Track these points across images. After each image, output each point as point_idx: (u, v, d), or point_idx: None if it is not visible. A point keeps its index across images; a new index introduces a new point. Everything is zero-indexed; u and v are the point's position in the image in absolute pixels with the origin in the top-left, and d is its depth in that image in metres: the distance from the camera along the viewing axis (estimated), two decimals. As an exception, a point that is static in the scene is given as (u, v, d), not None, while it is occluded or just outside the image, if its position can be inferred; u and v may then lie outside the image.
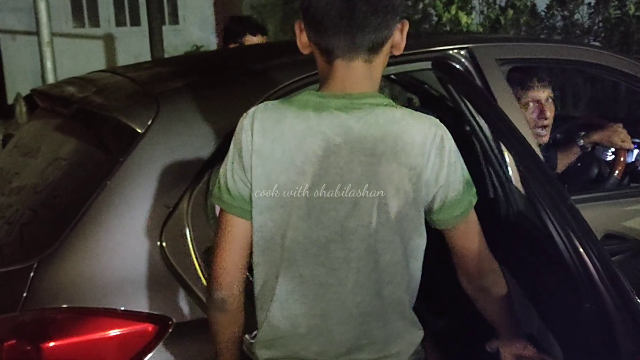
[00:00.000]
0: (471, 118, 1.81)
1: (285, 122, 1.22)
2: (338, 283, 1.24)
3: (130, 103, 1.73)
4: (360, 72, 1.23)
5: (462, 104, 1.81)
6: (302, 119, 1.22)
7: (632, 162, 2.66)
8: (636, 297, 1.28)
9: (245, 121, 1.26)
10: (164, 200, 1.58)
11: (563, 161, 2.50)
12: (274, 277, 1.27)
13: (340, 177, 1.21)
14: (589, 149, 2.59)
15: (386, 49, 1.25)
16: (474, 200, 1.30)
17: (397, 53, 1.29)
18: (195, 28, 9.70)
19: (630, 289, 1.28)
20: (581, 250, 1.32)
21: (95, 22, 9.24)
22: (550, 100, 2.35)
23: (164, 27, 9.09)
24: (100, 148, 1.70)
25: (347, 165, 1.21)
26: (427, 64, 1.94)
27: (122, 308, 1.51)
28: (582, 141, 2.55)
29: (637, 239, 2.05)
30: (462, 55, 2.04)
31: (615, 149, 2.53)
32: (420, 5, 6.13)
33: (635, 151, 2.69)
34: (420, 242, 1.28)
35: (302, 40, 1.26)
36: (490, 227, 1.80)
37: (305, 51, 1.27)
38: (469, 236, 1.31)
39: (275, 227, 1.24)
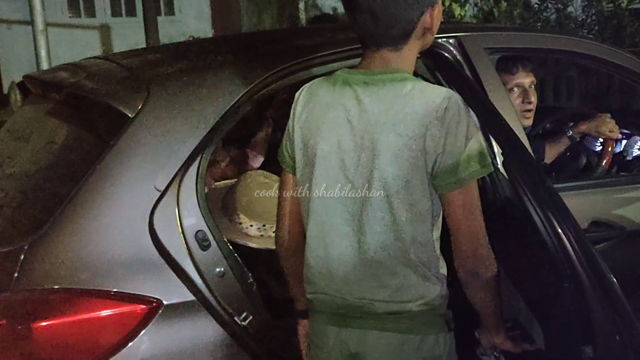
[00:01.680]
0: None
1: (318, 95, 1.45)
2: (352, 232, 1.41)
3: (121, 88, 1.75)
4: (386, 58, 1.39)
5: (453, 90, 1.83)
6: (329, 92, 1.43)
7: (620, 152, 2.69)
8: (611, 276, 1.31)
9: (297, 94, 1.50)
10: (154, 183, 1.59)
11: (552, 152, 2.53)
12: (306, 224, 1.48)
13: (353, 142, 1.39)
14: (578, 139, 2.62)
15: (414, 35, 1.39)
16: (476, 173, 1.35)
17: (430, 36, 1.43)
18: (191, 19, 9.70)
19: (605, 268, 1.31)
20: (560, 231, 1.35)
21: (91, 12, 9.23)
22: (533, 86, 2.39)
23: (159, 18, 9.11)
24: (91, 132, 1.71)
25: (359, 133, 1.38)
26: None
27: (113, 289, 1.53)
28: (570, 132, 2.58)
29: (623, 226, 2.08)
30: (450, 44, 2.06)
31: (604, 139, 2.56)
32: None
33: (624, 141, 2.72)
34: (426, 205, 1.37)
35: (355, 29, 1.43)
36: (492, 215, 1.83)
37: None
38: (464, 208, 1.35)
39: (306, 181, 1.46)
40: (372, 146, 1.36)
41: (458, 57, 2.06)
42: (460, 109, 1.34)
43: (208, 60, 1.86)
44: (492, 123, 1.51)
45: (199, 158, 1.67)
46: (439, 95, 1.34)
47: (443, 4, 5.63)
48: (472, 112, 1.38)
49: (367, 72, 1.40)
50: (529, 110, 2.37)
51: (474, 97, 1.55)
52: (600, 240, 2.04)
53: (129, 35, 8.80)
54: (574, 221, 1.37)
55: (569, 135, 2.58)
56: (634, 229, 2.10)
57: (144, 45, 6.63)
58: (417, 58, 1.94)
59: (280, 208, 1.56)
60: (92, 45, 8.87)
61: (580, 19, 6.09)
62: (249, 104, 1.77)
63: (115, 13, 9.28)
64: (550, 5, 6.05)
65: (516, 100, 2.34)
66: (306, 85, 1.50)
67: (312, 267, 1.47)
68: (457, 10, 5.50)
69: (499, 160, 1.90)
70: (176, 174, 1.63)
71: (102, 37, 9.12)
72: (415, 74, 1.85)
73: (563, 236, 1.36)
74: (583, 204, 2.10)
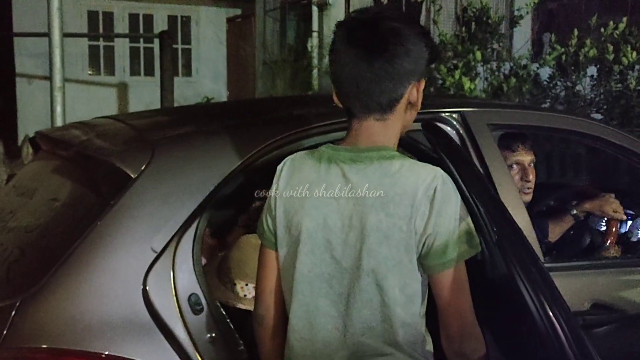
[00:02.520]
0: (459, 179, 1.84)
1: (303, 171, 1.42)
2: (338, 314, 1.38)
3: (126, 148, 1.78)
4: (372, 130, 1.38)
5: (450, 165, 1.84)
6: (314, 169, 1.41)
7: (625, 233, 2.67)
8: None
9: (279, 167, 1.48)
10: (151, 244, 1.60)
11: (555, 230, 2.51)
12: (289, 304, 1.44)
13: (340, 221, 1.36)
14: (582, 218, 2.61)
15: (400, 107, 1.39)
16: (465, 254, 1.34)
17: (414, 112, 1.44)
18: (207, 80, 9.94)
19: (594, 354, 1.29)
20: (550, 313, 1.33)
21: (110, 70, 9.49)
22: (532, 164, 2.40)
23: (177, 79, 9.36)
24: (93, 191, 1.73)
25: (346, 212, 1.35)
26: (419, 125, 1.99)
27: (102, 352, 1.51)
28: (574, 210, 2.57)
29: (624, 310, 2.04)
30: (454, 118, 2.10)
31: (607, 219, 2.55)
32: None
33: (629, 222, 2.71)
34: (416, 286, 1.35)
35: (335, 98, 1.44)
36: (476, 289, 1.81)
37: (341, 106, 1.44)
38: (452, 288, 1.34)
39: (289, 260, 1.42)
40: (360, 226, 1.33)
41: (461, 131, 2.09)
42: (449, 189, 1.34)
43: (213, 125, 1.90)
44: (488, 201, 1.51)
45: (197, 221, 1.68)
46: (428, 174, 1.33)
47: (453, 77, 5.77)
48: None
49: (353, 149, 1.38)
50: (528, 188, 2.37)
51: (470, 174, 1.56)
52: (600, 323, 1.99)
53: (145, 94, 9.02)
54: (564, 304, 1.35)
55: (572, 213, 2.57)
56: (636, 312, 2.06)
57: (159, 104, 6.77)
58: (419, 130, 2.02)
59: (260, 284, 1.51)
60: (110, 103, 9.09)
61: (589, 98, 6.16)
62: (250, 170, 1.79)
63: (134, 72, 9.53)
64: (559, 83, 6.13)
65: (515, 177, 2.35)
66: (288, 158, 1.48)
67: (295, 349, 1.43)
68: (467, 84, 5.58)
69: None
70: (173, 236, 1.63)
71: (119, 95, 9.34)
72: (416, 148, 1.88)
73: (553, 319, 1.34)
74: (584, 284, 2.07)
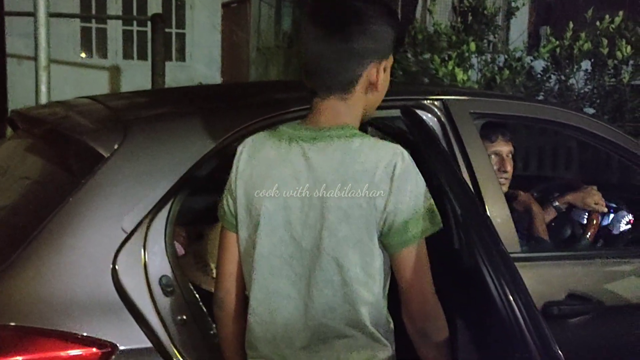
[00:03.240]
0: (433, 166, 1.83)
1: (263, 151, 1.40)
2: (299, 296, 1.36)
3: (100, 127, 1.76)
4: (333, 109, 1.38)
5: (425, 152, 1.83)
6: (274, 149, 1.39)
7: (607, 226, 2.67)
8: (557, 348, 1.29)
9: (239, 148, 1.46)
10: (122, 224, 1.58)
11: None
12: (249, 286, 1.42)
13: (300, 200, 1.34)
14: (564, 210, 2.60)
15: (359, 87, 1.38)
16: (426, 231, 1.33)
17: (376, 92, 1.42)
18: (201, 66, 9.87)
19: (551, 339, 1.29)
20: (511, 298, 1.33)
21: (103, 53, 9.40)
22: (510, 155, 2.40)
23: (170, 63, 9.29)
24: (66, 169, 1.72)
25: (307, 191, 1.34)
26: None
27: (68, 330, 1.50)
28: (556, 202, 2.57)
29: (601, 301, 2.04)
30: (436, 106, 2.08)
31: (589, 211, 2.54)
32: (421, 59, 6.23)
33: (611, 215, 2.70)
34: (377, 265, 1.34)
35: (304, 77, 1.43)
36: (453, 278, 1.80)
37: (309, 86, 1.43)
38: (413, 266, 1.33)
39: (250, 241, 1.40)
40: (320, 204, 1.32)
41: (443, 119, 2.08)
42: (409, 166, 1.32)
43: (190, 106, 1.88)
44: (457, 189, 1.49)
45: (170, 203, 1.66)
46: (388, 151, 1.32)
47: (446, 67, 5.74)
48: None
49: (314, 128, 1.38)
50: (504, 179, 2.37)
51: (442, 162, 1.55)
52: (575, 313, 2.00)
53: (138, 77, 8.93)
54: (524, 289, 1.35)
55: (554, 205, 2.57)
56: (612, 304, 2.06)
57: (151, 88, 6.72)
58: (399, 118, 2.00)
59: (220, 268, 1.49)
60: (101, 85, 9.00)
61: (582, 92, 6.15)
62: (226, 154, 1.77)
63: (127, 55, 9.44)
64: (553, 76, 6.11)
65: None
66: (248, 139, 1.46)
67: (255, 332, 1.42)
68: (460, 75, 5.56)
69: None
70: (145, 217, 1.61)
71: (111, 78, 9.26)
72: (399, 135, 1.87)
73: (513, 303, 1.34)
74: (561, 275, 2.07)
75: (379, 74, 1.39)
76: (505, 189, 2.34)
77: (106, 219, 1.58)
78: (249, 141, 1.45)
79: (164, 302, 1.61)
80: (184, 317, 1.63)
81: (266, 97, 2.11)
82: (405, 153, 1.34)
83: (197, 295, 1.71)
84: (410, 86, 2.43)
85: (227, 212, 1.45)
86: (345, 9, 1.34)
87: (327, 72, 1.35)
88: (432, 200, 1.35)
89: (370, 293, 1.34)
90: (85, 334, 1.49)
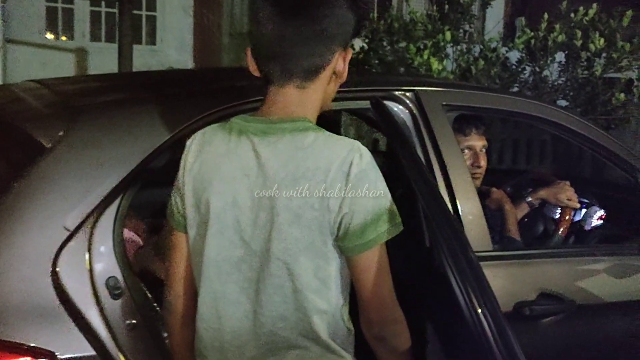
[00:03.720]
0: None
1: (212, 144, 1.29)
2: (248, 302, 1.26)
3: (43, 115, 1.62)
4: (290, 98, 1.26)
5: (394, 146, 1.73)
6: (224, 142, 1.28)
7: (579, 221, 2.61)
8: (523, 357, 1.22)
9: (188, 142, 1.35)
10: (64, 222, 1.45)
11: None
12: (198, 290, 1.32)
13: (250, 199, 1.24)
14: (537, 206, 2.54)
15: (324, 76, 1.28)
16: (385, 234, 1.23)
17: (340, 81, 1.32)
18: (172, 50, 9.64)
19: (517, 348, 1.22)
20: (477, 305, 1.24)
21: (69, 34, 9.12)
22: (484, 150, 2.32)
23: (139, 47, 9.05)
24: (4, 160, 1.58)
25: (256, 189, 1.24)
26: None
27: (4, 339, 1.37)
28: (529, 197, 2.50)
29: (573, 300, 1.98)
30: (407, 97, 1.98)
31: (562, 207, 2.48)
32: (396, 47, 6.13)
33: (583, 210, 2.65)
34: (331, 269, 1.24)
35: (252, 65, 1.30)
36: (424, 276, 1.71)
37: (256, 74, 1.30)
38: (371, 271, 1.24)
39: (199, 242, 1.30)
40: (270, 204, 1.22)
41: (414, 111, 1.98)
42: (367, 163, 1.22)
43: (146, 93, 1.75)
44: (423, 187, 1.39)
45: (119, 198, 1.54)
46: (344, 147, 1.21)
47: (422, 57, 5.66)
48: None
49: (265, 120, 1.26)
50: (478, 174, 2.28)
51: (409, 158, 1.45)
52: (547, 313, 1.93)
53: (106, 61, 8.66)
54: (491, 295, 1.26)
55: (527, 201, 2.51)
56: (584, 303, 2.00)
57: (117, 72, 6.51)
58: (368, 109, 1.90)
59: (170, 270, 1.39)
60: (67, 68, 8.72)
61: (556, 84, 6.12)
62: (183, 144, 1.65)
63: (95, 38, 9.16)
64: (527, 67, 6.07)
65: (466, 162, 2.26)
66: (199, 132, 1.35)
67: (204, 340, 1.32)
68: (435, 65, 5.47)
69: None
70: (90, 214, 1.49)
71: (78, 60, 8.98)
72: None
73: (479, 310, 1.26)
74: (532, 273, 2.00)
75: (344, 63, 1.30)
76: (478, 184, 2.26)
77: (46, 217, 1.45)
78: (198, 135, 1.34)
79: (111, 305, 1.49)
80: (134, 321, 1.51)
81: (230, 83, 1.99)
82: (364, 149, 1.23)
83: (149, 296, 1.60)
84: (380, 76, 2.33)
85: (175, 211, 1.35)
86: None
87: (290, 57, 1.23)
88: (392, 201, 1.25)
89: (324, 301, 1.24)
90: (19, 342, 1.36)
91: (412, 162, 1.44)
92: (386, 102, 1.94)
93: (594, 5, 5.98)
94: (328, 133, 1.25)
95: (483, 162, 2.29)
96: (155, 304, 1.58)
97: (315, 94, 1.28)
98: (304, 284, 1.22)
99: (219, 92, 1.82)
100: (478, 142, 2.29)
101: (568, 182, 2.45)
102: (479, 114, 2.24)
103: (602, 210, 2.59)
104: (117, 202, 1.54)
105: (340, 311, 1.28)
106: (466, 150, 2.27)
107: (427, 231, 1.80)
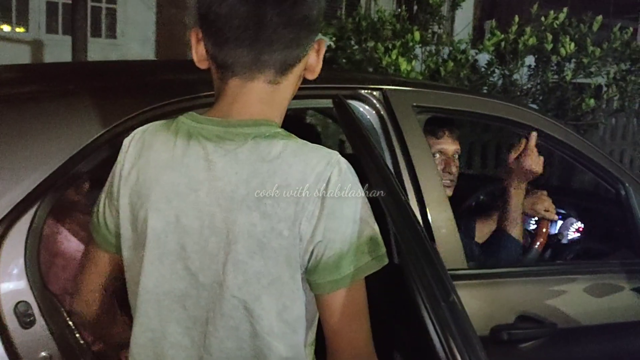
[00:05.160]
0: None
1: (153, 149, 1.06)
2: (193, 347, 1.04)
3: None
4: (258, 95, 1.04)
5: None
6: (168, 147, 1.04)
7: (555, 234, 2.46)
8: None
9: (125, 141, 1.12)
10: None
11: (483, 229, 2.27)
12: (133, 327, 1.10)
13: (199, 220, 1.01)
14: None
15: (297, 70, 1.06)
16: (366, 268, 1.01)
17: (311, 77, 1.10)
18: (134, 44, 9.30)
19: None
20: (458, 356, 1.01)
21: (24, 25, 8.72)
22: (456, 155, 2.14)
23: (99, 40, 8.71)
24: None
25: (207, 208, 1.00)
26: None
27: None
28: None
29: (554, 324, 1.81)
30: (374, 96, 1.79)
31: (538, 218, 2.32)
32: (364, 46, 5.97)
33: (559, 222, 2.50)
34: (299, 310, 1.02)
35: (199, 51, 1.06)
36: (392, 298, 1.50)
37: (202, 65, 1.07)
38: (346, 314, 1.01)
39: (135, 268, 1.07)
40: (226, 228, 0.98)
41: (382, 112, 1.80)
42: (347, 181, 1.00)
43: (72, 84, 1.51)
44: (389, 202, 1.18)
45: (35, 207, 1.30)
46: (320, 160, 0.99)
47: (390, 57, 5.50)
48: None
49: (222, 122, 1.02)
50: (450, 181, 2.09)
51: (373, 164, 1.23)
52: (526, 338, 1.76)
53: (63, 53, 8.27)
54: (479, 353, 1.04)
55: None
56: (566, 326, 1.83)
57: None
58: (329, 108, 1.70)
59: (82, 280, 1.20)
60: (21, 61, 8.30)
61: (525, 88, 6.03)
62: (116, 144, 1.42)
63: (51, 29, 8.78)
64: (497, 70, 5.97)
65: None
66: (138, 130, 1.10)
67: None
68: (404, 65, 5.32)
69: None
70: (-4, 226, 1.25)
71: (33, 52, 8.59)
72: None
73: None
74: (510, 294, 1.82)
75: (318, 56, 1.08)
76: (449, 192, 2.07)
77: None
78: (138, 133, 1.11)
79: (21, 336, 1.26)
80: (47, 353, 1.28)
81: (175, 76, 1.76)
82: (344, 163, 1.01)
83: (69, 323, 1.36)
84: (345, 73, 2.13)
85: (101, 224, 1.14)
86: None
87: (268, 44, 0.99)
88: (376, 227, 1.03)
89: (288, 346, 1.02)
90: None
91: (378, 170, 1.23)
92: (351, 102, 1.75)
93: (564, 9, 5.92)
94: (301, 141, 1.03)
95: (454, 169, 2.11)
96: (76, 333, 1.35)
97: (287, 91, 1.07)
98: (265, 327, 1.00)
99: (160, 85, 1.59)
100: (451, 146, 2.11)
101: (545, 192, 2.29)
102: (452, 117, 2.05)
103: (579, 222, 2.44)
104: (31, 211, 1.30)
105: (305, 353, 1.06)
106: (437, 155, 2.08)
107: (395, 247, 1.61)
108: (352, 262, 0.99)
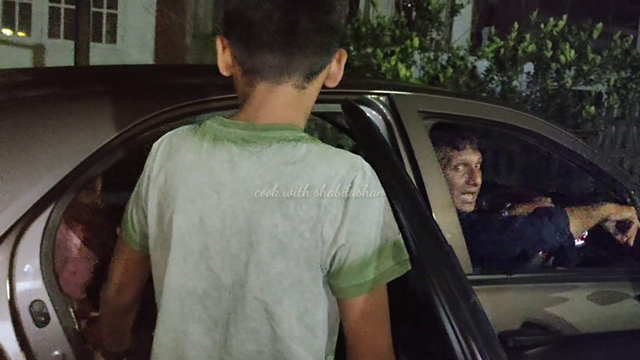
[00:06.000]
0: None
1: (180, 152, 1.08)
2: (214, 347, 1.04)
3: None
4: (285, 99, 1.05)
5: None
6: (194, 150, 1.06)
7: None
8: None
9: (155, 145, 1.14)
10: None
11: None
12: (157, 325, 1.11)
13: (221, 221, 1.02)
14: (515, 222, 2.38)
15: (322, 76, 1.09)
16: (389, 273, 1.02)
17: (332, 85, 1.12)
18: (133, 49, 9.32)
19: None
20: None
21: (26, 30, 8.74)
22: (479, 165, 2.10)
23: (99, 45, 8.74)
24: None
25: (230, 209, 1.02)
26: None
27: None
28: (506, 213, 2.34)
29: (559, 331, 1.82)
30: (381, 101, 1.81)
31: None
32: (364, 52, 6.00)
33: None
34: (320, 315, 1.02)
35: (225, 59, 1.07)
36: (403, 306, 1.52)
37: (227, 72, 1.08)
38: (369, 319, 1.02)
39: (161, 268, 1.10)
40: (247, 229, 1.00)
41: (388, 117, 1.81)
42: (371, 185, 1.01)
43: (82, 88, 1.52)
44: (409, 209, 1.19)
45: (50, 208, 1.32)
46: (343, 164, 1.00)
47: (389, 62, 5.53)
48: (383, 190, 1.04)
49: (248, 126, 1.04)
50: (472, 193, 2.06)
51: (390, 171, 1.25)
52: (531, 345, 1.77)
53: (63, 58, 8.32)
54: (498, 350, 1.06)
55: (503, 216, 2.34)
56: (570, 334, 1.84)
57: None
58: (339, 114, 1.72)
59: (113, 269, 1.25)
60: (23, 65, 8.34)
61: (524, 94, 6.06)
62: (128, 146, 1.44)
63: (53, 34, 8.80)
64: (496, 77, 6.00)
65: (460, 180, 2.05)
66: (168, 134, 1.13)
67: None
68: (403, 71, 5.35)
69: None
70: (13, 227, 1.26)
71: (35, 57, 8.60)
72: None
73: None
74: (515, 300, 1.83)
75: (340, 64, 1.10)
76: (472, 206, 2.06)
77: (-42, 229, 1.22)
78: (166, 138, 1.13)
79: (36, 334, 1.28)
80: (61, 352, 1.29)
81: (184, 80, 1.78)
82: (368, 167, 1.02)
83: (79, 324, 1.38)
84: (352, 78, 2.15)
85: (130, 225, 1.18)
86: None
87: (299, 49, 1.01)
88: (399, 233, 1.04)
89: (309, 351, 1.02)
90: None
91: (393, 173, 1.24)
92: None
93: (564, 16, 5.95)
94: (324, 145, 1.04)
95: (479, 179, 2.06)
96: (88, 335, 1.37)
97: (312, 97, 1.09)
98: (286, 330, 1.00)
99: (169, 89, 1.61)
100: (473, 156, 2.06)
101: (549, 199, 2.30)
102: (459, 123, 2.07)
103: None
104: (47, 212, 1.32)
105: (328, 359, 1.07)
106: (460, 167, 2.05)
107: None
108: (376, 267, 1.00)
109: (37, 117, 1.37)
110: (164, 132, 1.48)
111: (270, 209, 0.99)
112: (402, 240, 1.04)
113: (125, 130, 1.42)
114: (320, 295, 1.01)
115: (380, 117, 1.81)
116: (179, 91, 1.56)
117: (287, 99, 1.05)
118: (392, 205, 1.07)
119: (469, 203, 2.07)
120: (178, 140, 1.10)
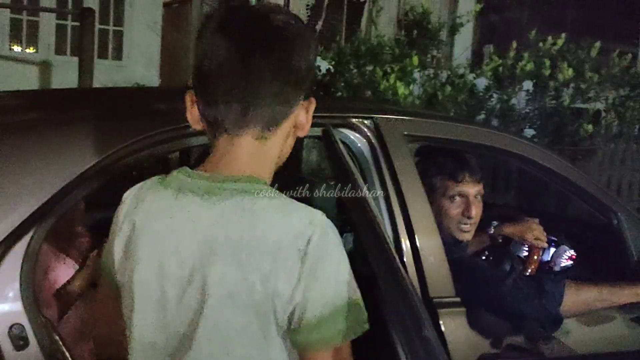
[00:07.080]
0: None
1: (145, 202, 1.09)
2: None
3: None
4: (246, 150, 1.06)
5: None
6: (158, 200, 1.08)
7: (547, 261, 2.47)
8: None
9: (124, 195, 1.15)
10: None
11: (470, 248, 2.28)
12: None
13: (180, 270, 1.03)
14: (499, 240, 2.39)
15: (285, 127, 1.08)
16: (347, 334, 1.00)
17: (301, 135, 1.12)
18: (139, 66, 9.41)
19: None
20: None
21: (33, 46, 8.86)
22: (479, 197, 2.07)
23: (105, 62, 8.82)
24: None
25: (188, 257, 1.02)
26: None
27: None
28: (493, 230, 2.35)
29: (541, 353, 1.83)
30: (365, 125, 1.83)
31: (529, 245, 2.34)
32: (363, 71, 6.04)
33: (552, 249, 2.51)
34: None
35: (193, 113, 1.08)
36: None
37: (197, 127, 1.09)
38: None
39: (128, 320, 1.09)
40: (201, 280, 0.99)
41: (373, 141, 1.83)
42: (330, 242, 1.00)
43: (68, 113, 1.55)
44: (371, 242, 1.20)
45: (31, 232, 1.34)
46: (302, 219, 0.99)
47: (388, 81, 5.56)
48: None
49: (210, 177, 1.04)
50: (469, 225, 2.03)
51: (352, 196, 1.27)
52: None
53: (71, 74, 8.40)
54: None
55: (490, 233, 2.34)
56: (553, 356, 1.85)
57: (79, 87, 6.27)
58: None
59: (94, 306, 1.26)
60: (30, 81, 8.44)
61: (523, 112, 6.08)
62: (109, 172, 1.47)
63: (60, 51, 8.91)
64: (495, 95, 6.02)
65: (454, 210, 2.03)
66: (136, 186, 1.14)
67: None
68: (401, 89, 5.37)
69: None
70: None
71: (41, 73, 8.71)
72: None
73: None
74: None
75: (308, 114, 1.09)
76: (469, 235, 2.05)
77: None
78: (135, 189, 1.14)
79: (14, 357, 1.29)
80: (40, 375, 1.31)
81: (170, 105, 1.80)
82: (328, 224, 1.01)
83: (62, 345, 1.39)
84: (336, 101, 2.17)
85: (105, 264, 1.16)
86: (280, 23, 1.04)
87: (253, 99, 1.02)
88: (358, 292, 1.02)
89: None
90: None
91: (356, 202, 1.26)
92: (343, 130, 1.79)
93: (562, 35, 5.99)
94: (285, 198, 1.04)
95: (474, 212, 2.02)
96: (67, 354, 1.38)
97: (274, 148, 1.08)
98: None
99: (155, 114, 1.64)
100: (472, 189, 2.03)
101: (537, 220, 2.30)
102: (444, 146, 2.08)
103: (572, 250, 2.45)
104: (28, 236, 1.34)
105: None
106: (457, 198, 2.02)
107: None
108: (332, 326, 0.98)
109: (19, 143, 1.40)
110: (146, 157, 1.51)
111: (223, 259, 0.99)
112: (361, 301, 1.03)
113: (107, 156, 1.44)
114: (271, 348, 1.00)
115: (365, 140, 1.83)
116: (161, 116, 1.58)
117: (248, 150, 1.05)
118: (354, 234, 1.08)
119: (466, 232, 2.06)
120: (145, 191, 1.11)
